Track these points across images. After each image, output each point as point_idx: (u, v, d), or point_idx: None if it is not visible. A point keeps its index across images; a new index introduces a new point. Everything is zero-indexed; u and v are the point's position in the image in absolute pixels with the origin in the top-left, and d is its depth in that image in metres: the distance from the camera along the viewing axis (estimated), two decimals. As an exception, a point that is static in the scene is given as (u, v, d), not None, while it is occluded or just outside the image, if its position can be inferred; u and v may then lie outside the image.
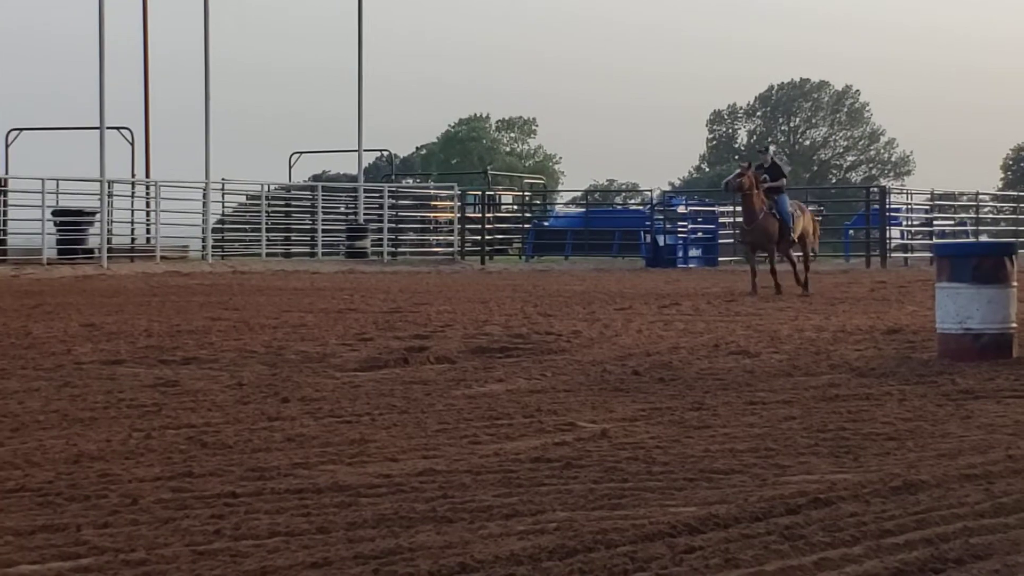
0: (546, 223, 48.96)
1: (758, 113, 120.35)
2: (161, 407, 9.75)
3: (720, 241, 44.25)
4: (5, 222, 35.86)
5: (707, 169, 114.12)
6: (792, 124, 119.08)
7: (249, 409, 9.74)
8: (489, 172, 56.21)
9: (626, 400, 10.31)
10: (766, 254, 25.40)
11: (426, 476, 7.31)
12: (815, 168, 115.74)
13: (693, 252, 44.04)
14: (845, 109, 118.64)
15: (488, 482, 7.12)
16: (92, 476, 7.23)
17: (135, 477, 7.21)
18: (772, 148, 26.71)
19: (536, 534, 5.92)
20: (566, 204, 59.58)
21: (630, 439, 8.49)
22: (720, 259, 43.29)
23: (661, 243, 43.51)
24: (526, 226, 47.99)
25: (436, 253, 44.60)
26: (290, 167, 46.61)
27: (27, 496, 6.73)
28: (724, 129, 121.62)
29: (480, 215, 45.43)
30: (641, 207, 52.16)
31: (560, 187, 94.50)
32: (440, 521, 6.21)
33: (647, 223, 44.76)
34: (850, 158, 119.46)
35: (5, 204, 35.99)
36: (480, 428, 8.93)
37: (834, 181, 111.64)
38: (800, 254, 25.60)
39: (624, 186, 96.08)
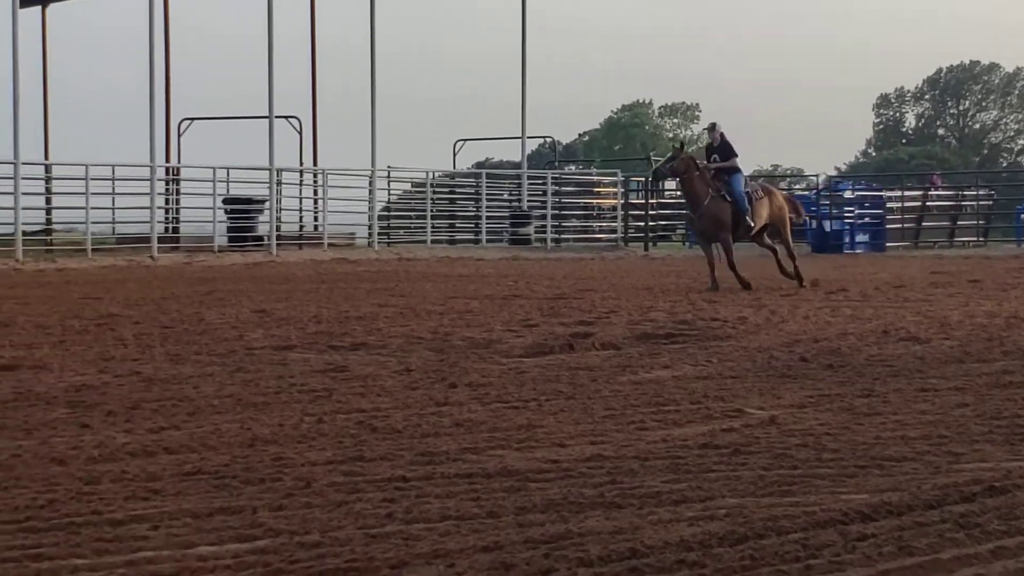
0: (711, 209, 48.50)
1: (926, 96, 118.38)
2: (331, 392, 9.89)
3: (888, 226, 43.58)
4: (178, 210, 36.60)
5: (873, 154, 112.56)
6: (961, 107, 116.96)
7: (417, 394, 9.84)
8: (652, 158, 55.97)
9: (794, 387, 10.22)
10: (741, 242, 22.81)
11: (594, 462, 7.32)
12: (985, 152, 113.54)
13: (860, 237, 43.44)
14: (1016, 92, 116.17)
15: (656, 468, 7.12)
16: (266, 459, 7.36)
17: (308, 461, 7.33)
18: (719, 125, 22.86)
19: (706, 520, 5.91)
20: (730, 190, 58.95)
21: (799, 426, 8.42)
22: (888, 244, 42.64)
23: (827, 229, 42.98)
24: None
25: (599, 240, 44.54)
26: (454, 154, 46.91)
27: (204, 479, 6.87)
28: (891, 113, 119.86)
29: (643, 201, 45.28)
30: (807, 192, 51.51)
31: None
32: (609, 507, 6.22)
33: (813, 208, 44.22)
34: (1021, 141, 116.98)
35: (178, 192, 36.72)
36: (647, 414, 8.92)
37: (1005, 165, 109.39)
38: (779, 241, 22.95)
39: (789, 171, 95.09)
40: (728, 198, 21.90)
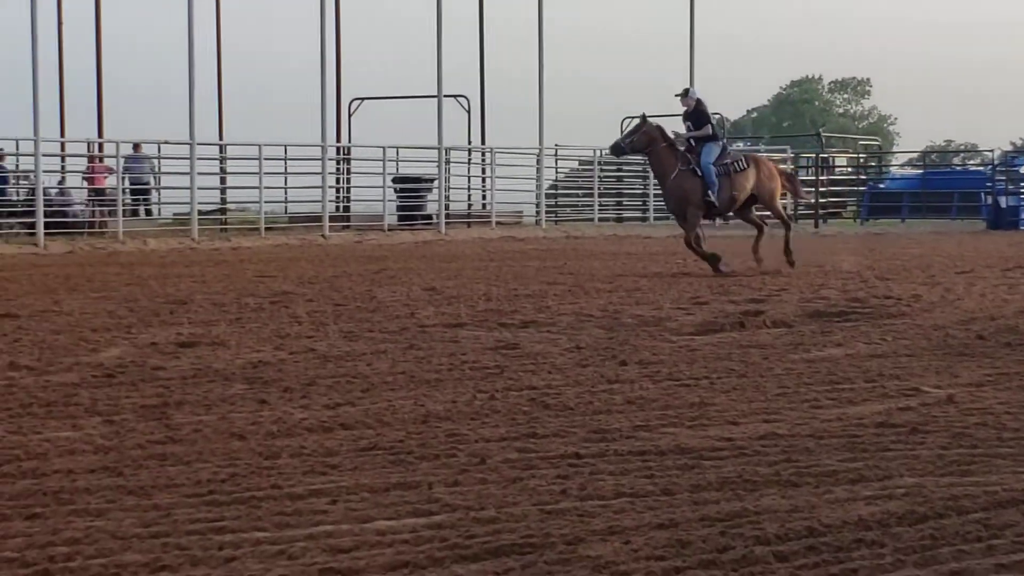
0: (881, 185, 47.87)
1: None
2: (503, 369, 9.95)
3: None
4: (349, 189, 37.03)
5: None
6: None
7: (588, 372, 9.85)
8: (822, 134, 55.29)
9: (971, 365, 10.04)
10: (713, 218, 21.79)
11: (768, 440, 7.27)
12: None
13: (1037, 213, 42.45)
14: None
15: (832, 447, 7.05)
16: (440, 436, 7.43)
17: (481, 437, 7.38)
18: (693, 90, 20.87)
19: (884, 499, 5.84)
20: (902, 166, 58.07)
21: (977, 405, 8.27)
22: (1067, 220, 41.63)
23: (1003, 205, 42.07)
24: (861, 189, 47.07)
25: (767, 217, 44.09)
26: (622, 132, 46.80)
27: (380, 454, 6.96)
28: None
29: (813, 178, 44.74)
30: (981, 168, 50.47)
31: (895, 148, 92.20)
32: (784, 485, 6.18)
33: (988, 184, 43.33)
34: None
35: (348, 172, 37.15)
36: (821, 392, 8.84)
37: None
38: (765, 214, 21.61)
39: (963, 147, 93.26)
40: (698, 171, 20.16)
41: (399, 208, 36.26)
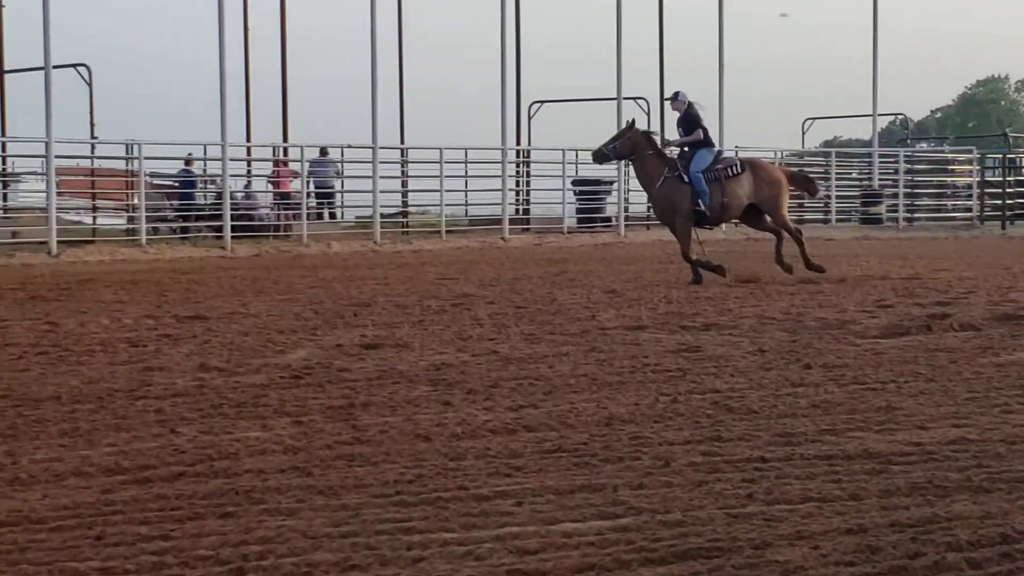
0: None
1: None
2: (685, 372, 9.91)
3: None
4: (528, 192, 37.16)
5: None
6: None
7: (772, 375, 9.77)
8: (1009, 134, 54.06)
9: None
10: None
11: (958, 445, 7.15)
12: None
13: None
14: None
15: (1024, 453, 6.90)
16: (624, 438, 7.43)
17: (665, 440, 7.36)
18: (683, 94, 19.49)
19: (1080, 507, 5.70)
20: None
21: None
22: None
23: None
24: (1050, 189, 45.94)
25: (954, 218, 43.30)
26: (803, 133, 46.30)
27: (564, 456, 6.98)
28: None
29: (1000, 179, 43.80)
30: None
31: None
32: (976, 491, 6.07)
33: None
34: None
35: (528, 175, 37.29)
36: (1012, 397, 8.66)
37: None
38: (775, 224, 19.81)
39: None
40: (686, 178, 19.00)
41: (578, 210, 36.29)
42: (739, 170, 19.24)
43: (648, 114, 38.15)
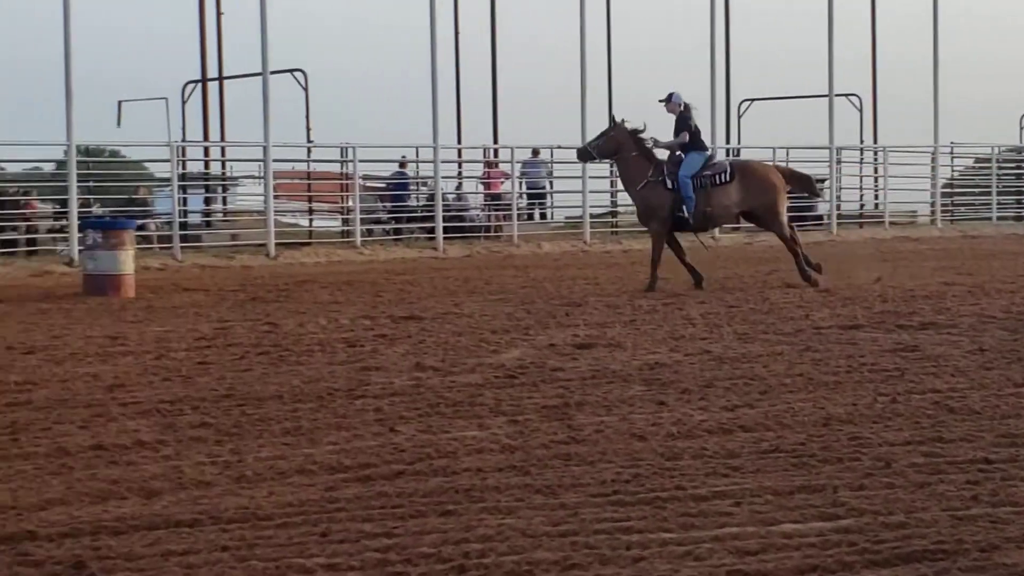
0: None
1: None
2: (903, 372, 9.75)
3: None
4: (737, 191, 36.85)
5: None
6: None
7: (993, 375, 9.57)
8: None
9: None
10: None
11: None
12: None
13: None
14: None
15: None
16: (842, 439, 7.35)
17: (885, 441, 7.27)
18: (677, 95, 18.31)
19: None
20: None
21: None
22: None
23: None
24: None
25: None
26: (1020, 128, 45.12)
27: (782, 457, 6.93)
28: None
29: None
30: None
31: None
32: None
33: None
34: None
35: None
36: None
37: None
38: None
39: None
40: (669, 183, 17.97)
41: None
42: (728, 178, 18.23)
43: (860, 110, 37.61)
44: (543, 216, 34.18)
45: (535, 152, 32.55)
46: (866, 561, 5.07)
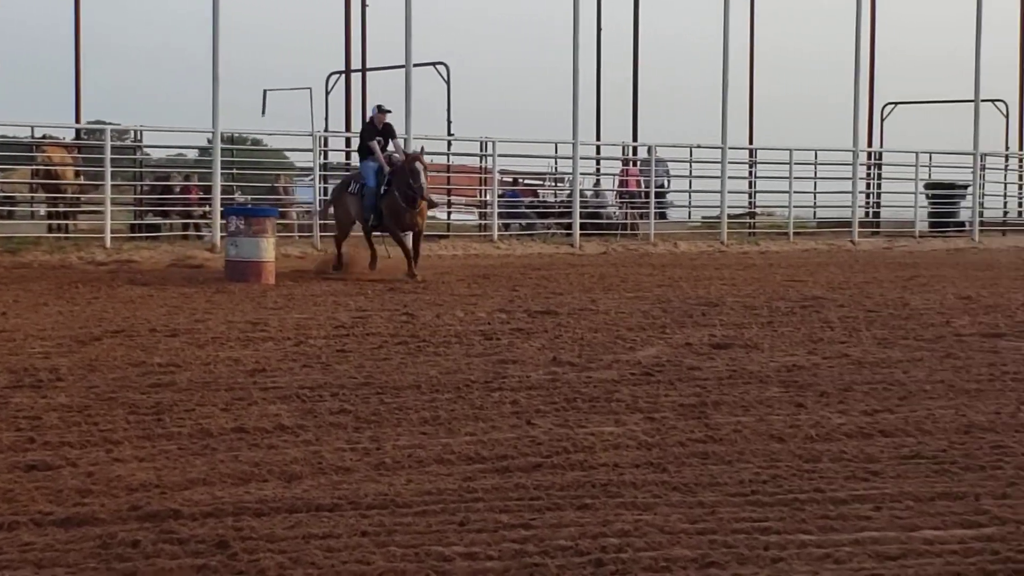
0: None
1: None
2: (1043, 382, 9.61)
3: None
4: (879, 195, 36.47)
5: None
6: None
7: None
8: None
9: None
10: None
11: None
12: None
13: None
14: None
15: None
16: (985, 447, 7.26)
17: (1035, 450, 7.17)
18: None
19: None
20: None
21: None
22: None
23: None
24: None
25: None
26: None
27: (923, 463, 6.86)
28: None
29: None
30: None
31: None
32: None
33: None
34: None
35: (879, 177, 36.59)
36: None
37: None
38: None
39: None
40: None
41: (930, 215, 35.42)
42: None
43: (1007, 116, 37.01)
44: (663, 215, 33.88)
45: (649, 151, 32.36)
46: (1009, 570, 5.00)
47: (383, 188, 19.49)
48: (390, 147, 20.12)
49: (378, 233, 20.02)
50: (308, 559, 5.15)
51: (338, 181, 22.53)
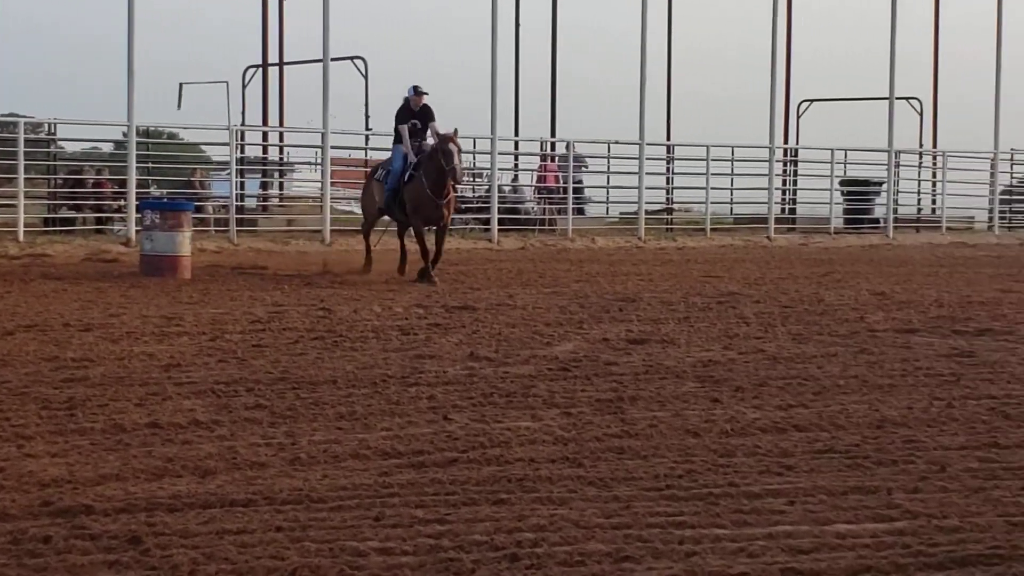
0: None
1: None
2: (959, 377, 9.71)
3: None
4: (795, 191, 36.75)
5: None
6: None
7: (1051, 383, 9.51)
8: None
9: None
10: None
11: None
12: None
13: None
14: None
15: None
16: (897, 441, 7.33)
17: (940, 445, 7.24)
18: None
19: None
20: None
21: None
22: None
23: None
24: None
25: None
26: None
27: (836, 457, 6.92)
28: None
29: None
30: None
31: None
32: None
33: None
34: None
35: (795, 174, 36.85)
36: None
37: None
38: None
39: None
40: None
41: (845, 211, 35.73)
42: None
43: (920, 114, 37.38)
44: (580, 211, 33.93)
45: (567, 146, 32.39)
46: (920, 564, 5.05)
47: (409, 174, 17.85)
48: (427, 134, 18.12)
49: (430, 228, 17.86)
50: (222, 554, 5.12)
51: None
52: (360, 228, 20.43)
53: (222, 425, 7.60)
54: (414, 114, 18.29)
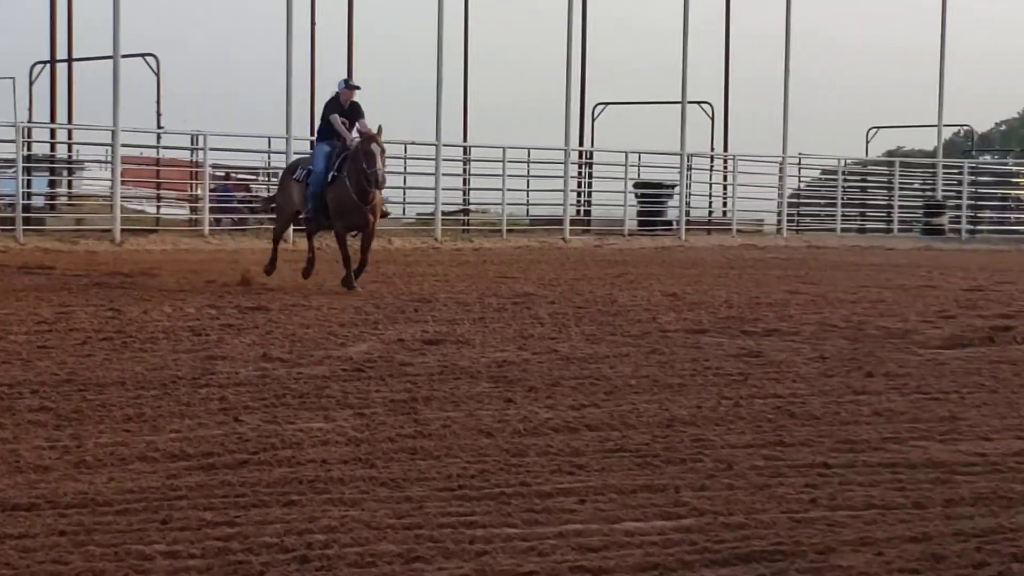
0: None
1: None
2: (747, 376, 9.90)
3: None
4: (590, 193, 37.13)
5: None
6: None
7: (834, 382, 9.74)
8: (1075, 149, 53.47)
9: None
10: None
11: (1022, 456, 7.12)
12: None
13: None
14: None
15: (1090, 467, 6.85)
16: (686, 440, 7.44)
17: (727, 443, 7.37)
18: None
19: None
20: None
21: None
22: None
23: None
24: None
25: (1017, 231, 42.93)
26: (867, 142, 46.00)
27: (626, 456, 7.00)
28: None
29: (1067, 193, 43.40)
30: None
31: None
32: (1041, 503, 6.03)
33: None
34: None
35: (590, 176, 37.24)
36: (1077, 411, 8.59)
37: None
38: None
39: None
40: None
41: (639, 213, 36.23)
42: None
43: (712, 118, 38.06)
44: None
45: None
46: (706, 560, 5.13)
47: (332, 175, 16.78)
48: (354, 131, 16.99)
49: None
50: (2, 559, 4.99)
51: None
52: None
53: (4, 428, 7.41)
54: (343, 110, 17.24)
